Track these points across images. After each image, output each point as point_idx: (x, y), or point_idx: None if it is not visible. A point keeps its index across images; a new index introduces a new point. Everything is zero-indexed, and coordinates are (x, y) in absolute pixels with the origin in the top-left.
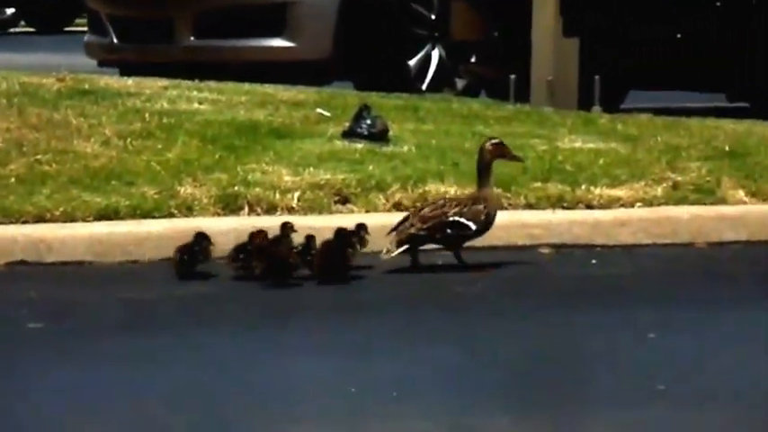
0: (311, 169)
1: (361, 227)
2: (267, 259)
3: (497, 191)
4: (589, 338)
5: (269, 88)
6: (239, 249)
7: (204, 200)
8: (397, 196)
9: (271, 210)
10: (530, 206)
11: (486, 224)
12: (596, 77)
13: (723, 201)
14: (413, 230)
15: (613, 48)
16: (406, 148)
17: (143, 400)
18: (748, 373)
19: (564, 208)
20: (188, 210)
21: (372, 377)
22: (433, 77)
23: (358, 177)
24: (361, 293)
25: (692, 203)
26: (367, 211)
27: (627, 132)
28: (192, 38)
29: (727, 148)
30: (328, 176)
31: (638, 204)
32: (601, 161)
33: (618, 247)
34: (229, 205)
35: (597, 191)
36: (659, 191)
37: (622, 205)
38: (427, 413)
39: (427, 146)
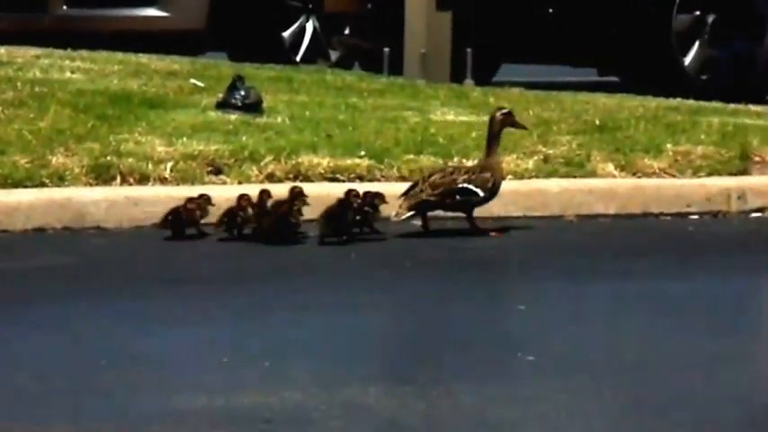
0: (184, 140)
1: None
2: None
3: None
4: (460, 310)
5: (142, 58)
6: (227, 213)
7: (76, 170)
8: (270, 167)
9: (143, 180)
10: (403, 178)
11: (492, 192)
12: (468, 51)
13: (593, 174)
14: (423, 196)
15: (485, 21)
16: (279, 120)
17: (8, 369)
18: (615, 344)
19: None
20: (60, 179)
21: (245, 347)
22: (307, 49)
23: (231, 148)
24: (242, 262)
25: (563, 176)
26: (240, 183)
27: (499, 105)
28: (64, 6)
29: (597, 122)
30: (201, 147)
31: (510, 177)
32: (473, 134)
33: (489, 219)
34: (102, 175)
35: (469, 163)
36: (530, 164)
37: None
38: (299, 384)
39: (301, 117)
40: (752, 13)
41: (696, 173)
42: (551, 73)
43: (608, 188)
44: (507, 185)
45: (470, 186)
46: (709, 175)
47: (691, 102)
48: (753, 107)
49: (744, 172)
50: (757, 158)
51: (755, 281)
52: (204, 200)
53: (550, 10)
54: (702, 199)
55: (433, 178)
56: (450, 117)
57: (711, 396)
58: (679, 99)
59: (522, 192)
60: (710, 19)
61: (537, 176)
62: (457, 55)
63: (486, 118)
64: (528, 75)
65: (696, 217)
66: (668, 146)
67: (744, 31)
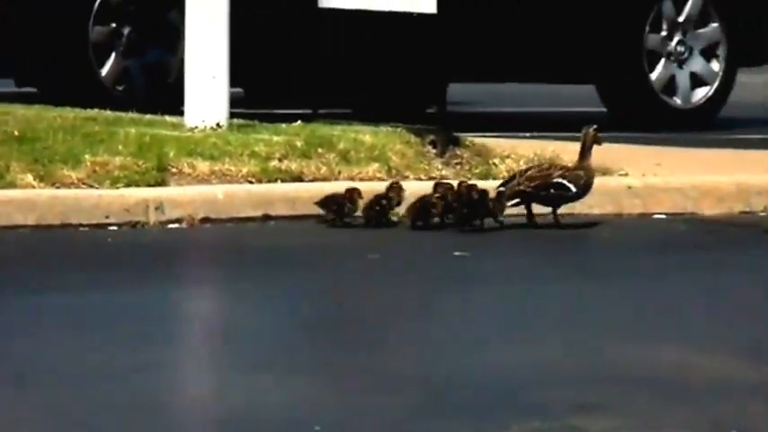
0: None
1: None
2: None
3: None
4: None
5: None
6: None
7: None
8: None
9: None
10: None
11: (584, 188)
12: None
13: (12, 185)
14: (521, 187)
15: None
16: None
17: None
18: (37, 358)
19: None
20: None
21: None
22: None
23: None
24: None
25: None
26: None
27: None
28: None
29: (16, 133)
30: None
31: None
32: None
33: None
34: None
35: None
36: None
37: None
38: None
39: None
40: (166, 25)
41: (114, 183)
42: None
43: (27, 199)
44: None
45: (564, 182)
46: (128, 185)
47: (109, 112)
48: (169, 118)
49: (161, 183)
50: (174, 169)
51: (164, 291)
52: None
53: None
54: (121, 210)
55: (529, 172)
56: None
57: (130, 403)
58: (97, 110)
59: None
60: (126, 31)
61: None
62: None
63: None
64: None
65: (115, 228)
66: (87, 156)
67: (158, 42)
